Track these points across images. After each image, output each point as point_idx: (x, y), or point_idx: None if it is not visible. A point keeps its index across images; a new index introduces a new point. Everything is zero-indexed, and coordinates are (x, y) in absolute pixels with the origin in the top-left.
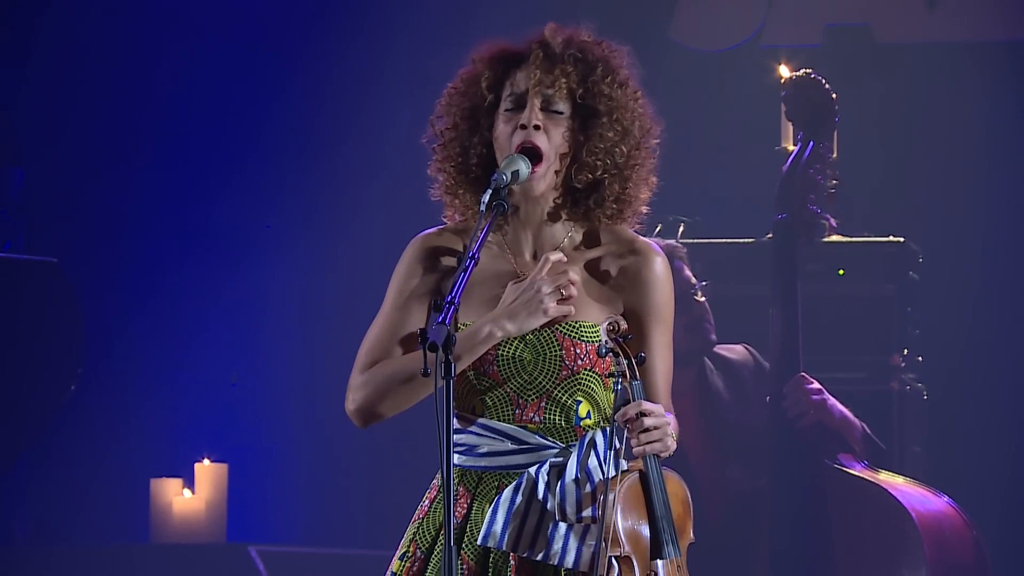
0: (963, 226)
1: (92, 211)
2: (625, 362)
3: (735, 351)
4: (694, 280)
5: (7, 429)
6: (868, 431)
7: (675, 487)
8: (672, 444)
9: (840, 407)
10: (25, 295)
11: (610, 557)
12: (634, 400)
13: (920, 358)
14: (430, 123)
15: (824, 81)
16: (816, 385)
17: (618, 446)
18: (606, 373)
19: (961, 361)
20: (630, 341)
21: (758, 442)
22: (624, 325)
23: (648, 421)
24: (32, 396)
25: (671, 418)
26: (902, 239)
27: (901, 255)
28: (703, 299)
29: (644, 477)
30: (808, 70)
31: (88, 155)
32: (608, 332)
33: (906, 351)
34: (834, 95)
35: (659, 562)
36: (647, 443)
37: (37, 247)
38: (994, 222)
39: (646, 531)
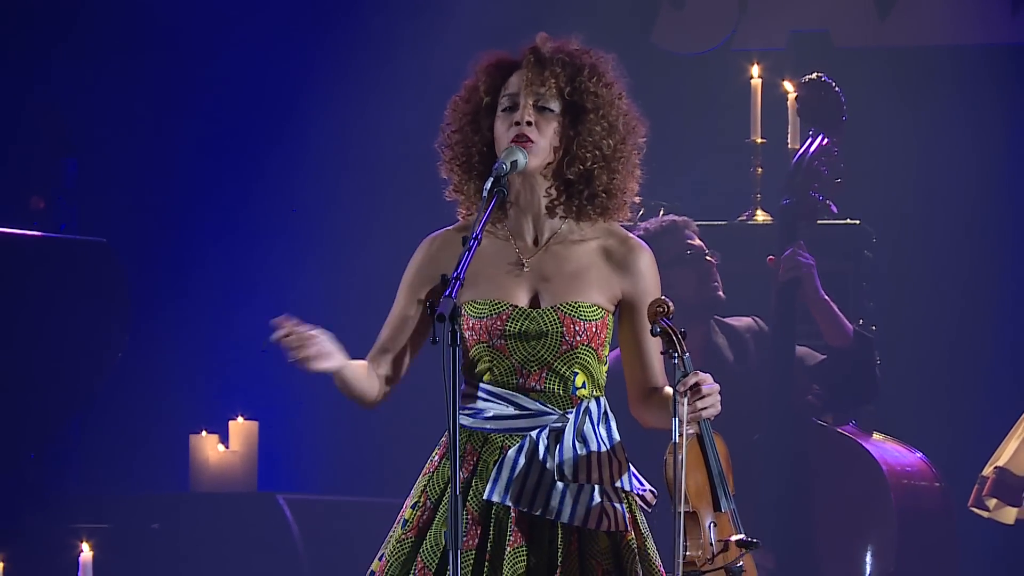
0: (911, 210)
1: (138, 196)
2: (676, 338)
3: (742, 320)
4: (706, 248)
5: (62, 391)
6: (860, 329)
7: (721, 446)
8: (720, 408)
9: (824, 295)
10: (78, 272)
11: (680, 512)
12: (689, 372)
13: (874, 327)
14: (441, 129)
15: (834, 84)
16: (811, 260)
17: (680, 413)
18: (660, 351)
19: (909, 329)
20: (673, 319)
21: (755, 397)
22: (671, 306)
23: (704, 388)
24: (84, 361)
25: (718, 386)
26: (858, 221)
27: (857, 236)
28: (712, 260)
29: (700, 439)
30: (819, 73)
31: (134, 146)
32: (657, 315)
33: (861, 320)
34: (843, 97)
35: (715, 514)
36: (703, 408)
37: (89, 229)
38: (938, 207)
39: (706, 488)
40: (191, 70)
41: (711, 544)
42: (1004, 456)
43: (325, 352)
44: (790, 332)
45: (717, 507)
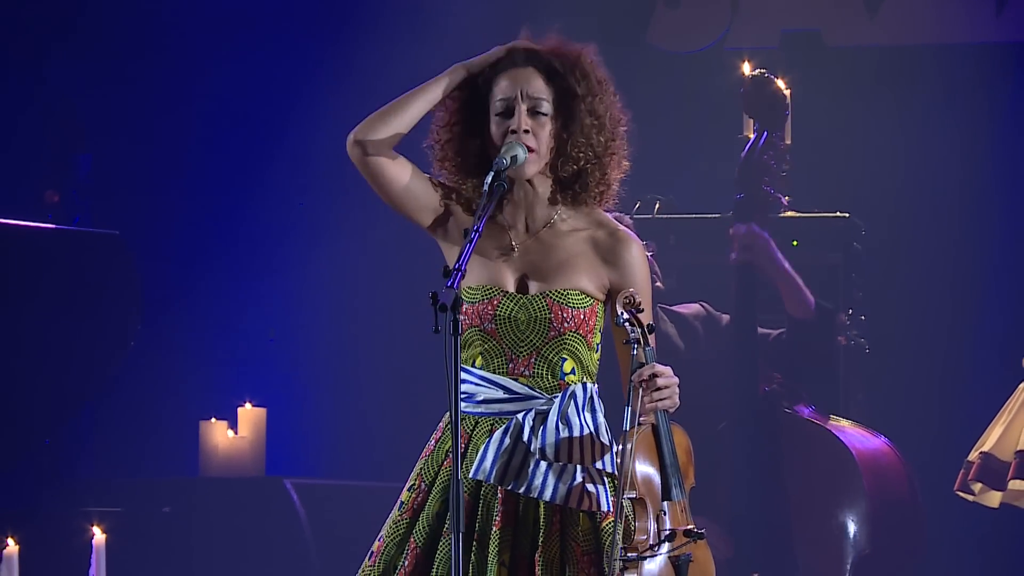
0: (899, 204)
1: (149, 191)
2: (639, 330)
3: (690, 308)
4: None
5: (75, 378)
6: (822, 303)
7: (680, 438)
8: (678, 401)
9: (787, 265)
10: (91, 263)
11: (626, 498)
12: (647, 363)
13: (863, 317)
14: (430, 131)
15: (776, 79)
16: (765, 235)
17: (633, 403)
18: (622, 340)
19: (897, 319)
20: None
21: (712, 385)
22: (639, 299)
23: (660, 381)
24: (97, 349)
25: (677, 379)
26: (847, 215)
27: (847, 228)
28: (649, 254)
29: (655, 429)
30: (763, 70)
31: (145, 143)
32: (624, 305)
33: (851, 311)
34: (786, 91)
35: (666, 503)
36: (659, 400)
37: (101, 222)
38: (925, 201)
39: (657, 477)
40: (200, 71)
41: (657, 532)
42: (989, 441)
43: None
44: (751, 318)
45: (667, 496)
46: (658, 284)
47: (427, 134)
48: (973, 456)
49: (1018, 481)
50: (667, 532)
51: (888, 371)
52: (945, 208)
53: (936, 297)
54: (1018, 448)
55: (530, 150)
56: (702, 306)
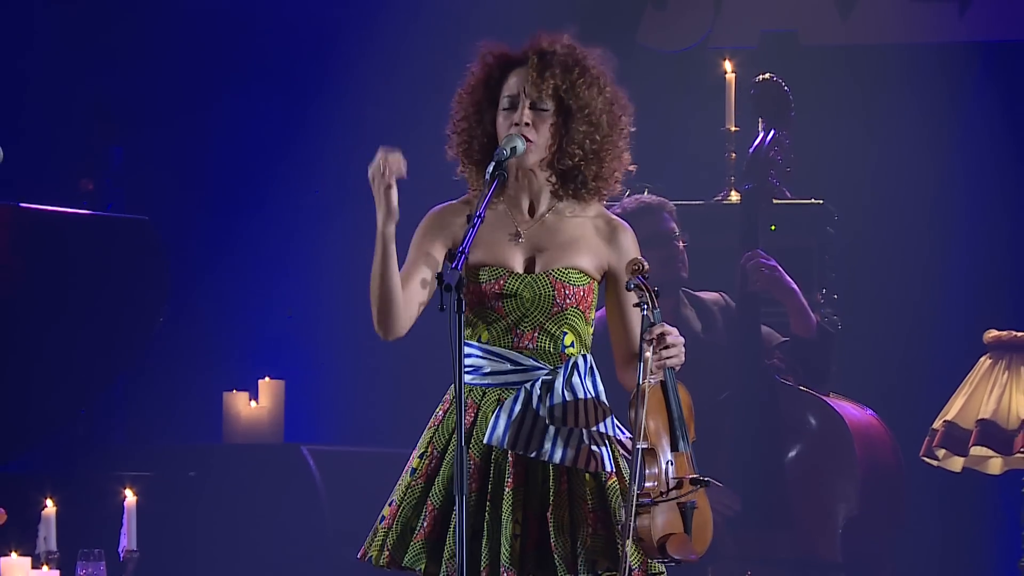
0: (870, 191)
1: (176, 179)
2: (647, 294)
3: (710, 295)
4: (677, 230)
5: (109, 353)
6: (824, 325)
7: (684, 394)
8: (683, 359)
9: (793, 285)
10: (123, 247)
11: (638, 448)
12: (656, 323)
13: (836, 296)
14: (449, 118)
15: (783, 83)
16: (772, 262)
17: (644, 359)
18: (633, 303)
19: (867, 298)
20: (649, 279)
21: (722, 363)
22: (647, 265)
23: (668, 339)
24: (128, 326)
25: (683, 339)
26: (821, 201)
27: (821, 214)
28: (682, 245)
29: (663, 385)
30: (772, 74)
31: (172, 135)
32: (633, 271)
33: (824, 290)
34: (790, 94)
35: (673, 454)
36: (667, 357)
37: (133, 208)
38: (893, 188)
39: (665, 429)
40: (223, 72)
41: (666, 479)
42: (952, 411)
43: (392, 197)
44: (756, 311)
45: (675, 447)
46: (683, 274)
47: (442, 126)
48: (937, 424)
49: (979, 447)
50: (674, 480)
51: (859, 346)
52: (911, 195)
53: (903, 277)
54: (979, 417)
55: (528, 141)
56: (722, 295)
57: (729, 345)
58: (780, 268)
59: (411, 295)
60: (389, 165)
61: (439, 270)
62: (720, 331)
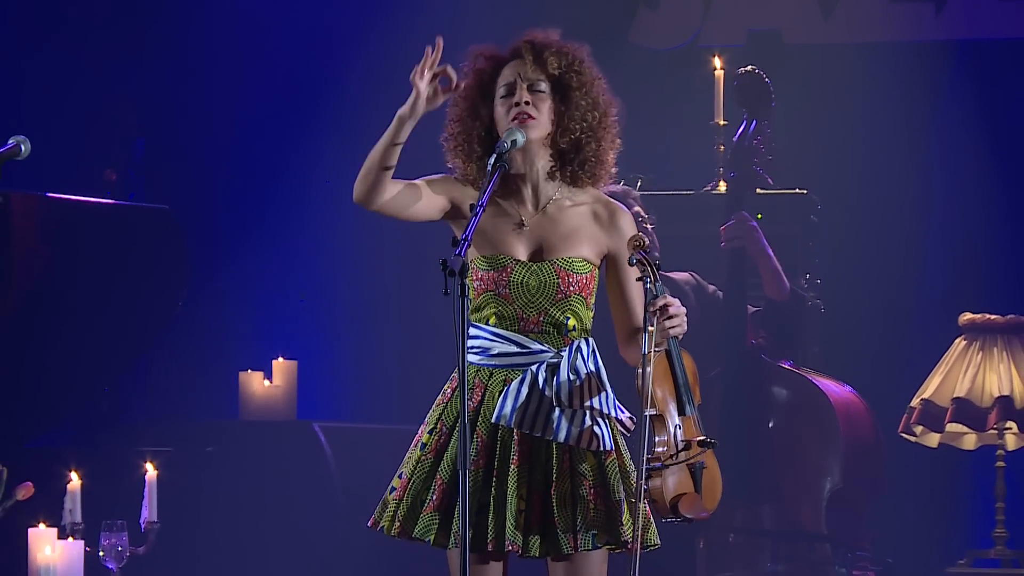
0: (851, 182)
1: (196, 170)
2: (649, 268)
3: (681, 275)
4: (643, 213)
5: (131, 335)
6: (796, 289)
7: (688, 361)
8: (686, 327)
9: (770, 251)
10: (145, 234)
11: (647, 415)
12: (659, 295)
13: (819, 281)
14: (444, 125)
15: (764, 75)
16: (754, 223)
17: (650, 328)
18: (635, 278)
19: (848, 283)
20: (652, 254)
21: (700, 339)
22: (647, 241)
23: (671, 310)
24: (149, 310)
25: (684, 309)
26: (805, 191)
27: (805, 203)
28: (650, 227)
29: (668, 354)
30: (753, 67)
31: (193, 128)
32: (634, 247)
33: (808, 275)
34: (771, 86)
35: (680, 419)
36: (671, 327)
37: (154, 197)
38: (874, 178)
39: (672, 395)
40: (241, 64)
41: (675, 443)
42: (929, 389)
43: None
44: (742, 290)
45: (682, 411)
46: (655, 254)
47: (432, 133)
48: (915, 402)
49: (954, 424)
50: (683, 443)
51: (840, 328)
52: (892, 185)
53: (883, 263)
54: (954, 395)
55: (530, 117)
56: (692, 275)
57: (712, 323)
58: (759, 231)
59: (399, 185)
60: (429, 58)
61: (430, 204)
62: (693, 309)
